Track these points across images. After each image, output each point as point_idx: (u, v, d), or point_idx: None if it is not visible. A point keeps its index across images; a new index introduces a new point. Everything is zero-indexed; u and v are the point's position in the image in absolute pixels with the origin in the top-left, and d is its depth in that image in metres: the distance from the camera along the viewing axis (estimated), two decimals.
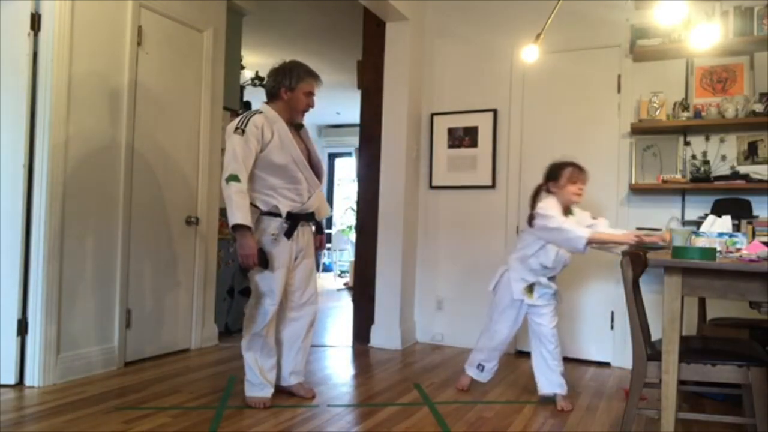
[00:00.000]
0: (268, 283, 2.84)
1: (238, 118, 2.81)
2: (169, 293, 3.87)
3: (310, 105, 2.97)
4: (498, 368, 3.30)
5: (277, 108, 2.90)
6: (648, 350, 2.29)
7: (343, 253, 10.40)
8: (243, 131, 2.73)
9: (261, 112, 2.84)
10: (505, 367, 3.78)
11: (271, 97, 2.94)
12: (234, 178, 2.68)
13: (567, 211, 3.03)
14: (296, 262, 2.97)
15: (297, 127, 2.99)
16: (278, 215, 2.83)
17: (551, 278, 3.09)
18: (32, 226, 3.07)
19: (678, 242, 2.63)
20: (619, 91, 3.99)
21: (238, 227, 2.68)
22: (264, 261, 2.79)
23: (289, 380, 3.04)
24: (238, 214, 2.67)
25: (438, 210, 4.58)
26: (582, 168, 3.03)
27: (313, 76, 2.95)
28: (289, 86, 2.88)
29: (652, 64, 3.91)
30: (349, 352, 4.28)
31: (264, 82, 3.14)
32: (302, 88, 2.90)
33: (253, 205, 2.83)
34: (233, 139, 2.73)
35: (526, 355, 4.16)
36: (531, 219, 2.99)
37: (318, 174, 2.96)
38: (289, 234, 2.86)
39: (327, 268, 10.63)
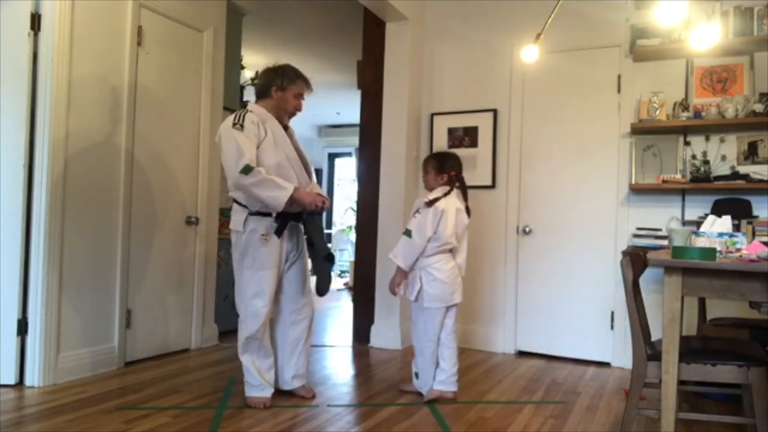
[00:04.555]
0: (258, 284, 2.83)
1: (232, 116, 2.80)
2: (169, 293, 3.87)
3: (298, 108, 2.98)
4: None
5: (266, 107, 2.90)
6: (648, 350, 2.29)
7: (343, 253, 10.39)
8: (242, 126, 2.72)
9: (251, 111, 2.83)
10: (504, 367, 3.78)
11: (261, 96, 2.94)
12: (248, 168, 2.66)
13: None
14: (287, 263, 2.96)
15: (284, 129, 2.98)
16: (267, 215, 2.82)
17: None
18: (32, 226, 3.07)
19: (678, 242, 2.63)
20: (619, 91, 3.99)
21: (290, 196, 2.70)
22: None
23: (293, 384, 3.03)
24: (282, 187, 2.69)
25: None
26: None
27: (305, 80, 2.97)
28: (280, 85, 2.90)
29: (652, 64, 3.92)
30: (349, 352, 4.28)
31: (255, 81, 3.14)
32: (293, 90, 2.92)
33: (241, 204, 2.84)
34: (232, 133, 2.71)
35: (527, 355, 4.19)
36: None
37: (308, 172, 2.98)
38: (279, 232, 2.85)
39: None
